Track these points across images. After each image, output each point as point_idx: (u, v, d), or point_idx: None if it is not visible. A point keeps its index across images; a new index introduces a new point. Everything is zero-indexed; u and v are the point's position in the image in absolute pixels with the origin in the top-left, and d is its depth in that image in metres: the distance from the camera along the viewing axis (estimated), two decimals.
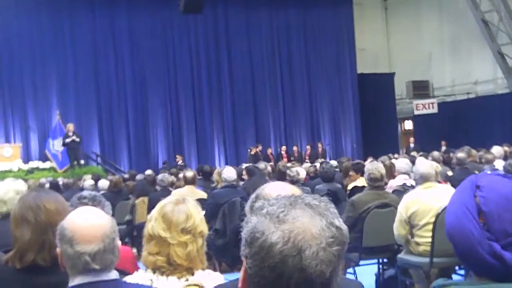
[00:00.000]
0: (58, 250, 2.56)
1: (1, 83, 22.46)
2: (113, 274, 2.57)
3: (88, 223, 2.51)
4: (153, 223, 2.88)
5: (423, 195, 6.06)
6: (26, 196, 3.18)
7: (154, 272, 2.83)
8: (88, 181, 13.24)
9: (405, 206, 6.13)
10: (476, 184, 1.76)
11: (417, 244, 6.13)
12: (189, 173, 9.97)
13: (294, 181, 8.49)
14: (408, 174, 8.18)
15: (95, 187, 12.68)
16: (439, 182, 6.84)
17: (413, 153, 17.56)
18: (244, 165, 14.54)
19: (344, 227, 1.39)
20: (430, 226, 5.91)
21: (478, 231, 1.69)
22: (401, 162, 8.49)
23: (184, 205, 2.94)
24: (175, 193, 8.72)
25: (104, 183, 12.80)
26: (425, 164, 6.38)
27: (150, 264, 2.85)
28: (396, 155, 16.73)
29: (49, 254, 2.91)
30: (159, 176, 11.03)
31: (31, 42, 22.87)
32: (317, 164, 13.29)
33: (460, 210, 1.75)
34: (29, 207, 3.03)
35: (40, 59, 22.94)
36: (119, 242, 2.60)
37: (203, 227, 2.94)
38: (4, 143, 21.39)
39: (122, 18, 24.20)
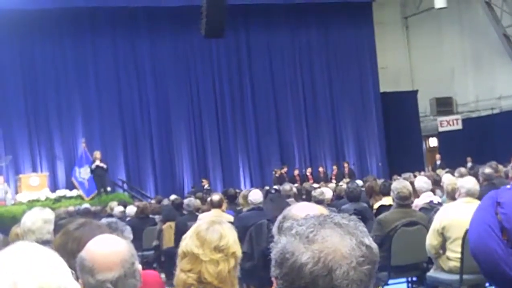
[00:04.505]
0: (80, 281, 2.55)
1: (27, 113, 22.70)
2: None
3: (106, 250, 2.52)
4: (187, 241, 2.96)
5: (461, 209, 5.98)
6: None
7: None
8: (117, 208, 13.28)
9: (441, 217, 6.12)
10: (496, 201, 1.74)
11: (448, 259, 6.08)
12: (216, 197, 9.86)
13: (319, 202, 8.44)
14: (433, 191, 8.09)
15: (124, 213, 12.72)
16: None
17: (438, 170, 17.42)
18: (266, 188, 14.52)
19: (374, 246, 1.39)
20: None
21: (502, 249, 1.67)
22: (419, 182, 8.37)
23: (219, 225, 3.01)
24: (202, 217, 8.71)
25: (131, 210, 12.83)
26: (471, 181, 6.38)
27: (181, 282, 2.89)
28: (422, 173, 16.60)
29: None
30: (186, 201, 10.99)
31: (55, 71, 23.08)
32: (343, 184, 13.24)
33: (482, 229, 1.72)
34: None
35: (64, 87, 23.18)
36: (139, 266, 2.61)
37: (237, 249, 2.98)
38: (31, 173, 21.55)
39: (144, 44, 24.35)
